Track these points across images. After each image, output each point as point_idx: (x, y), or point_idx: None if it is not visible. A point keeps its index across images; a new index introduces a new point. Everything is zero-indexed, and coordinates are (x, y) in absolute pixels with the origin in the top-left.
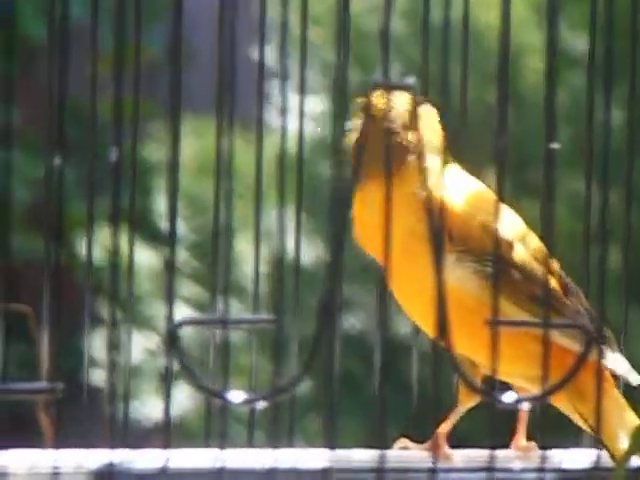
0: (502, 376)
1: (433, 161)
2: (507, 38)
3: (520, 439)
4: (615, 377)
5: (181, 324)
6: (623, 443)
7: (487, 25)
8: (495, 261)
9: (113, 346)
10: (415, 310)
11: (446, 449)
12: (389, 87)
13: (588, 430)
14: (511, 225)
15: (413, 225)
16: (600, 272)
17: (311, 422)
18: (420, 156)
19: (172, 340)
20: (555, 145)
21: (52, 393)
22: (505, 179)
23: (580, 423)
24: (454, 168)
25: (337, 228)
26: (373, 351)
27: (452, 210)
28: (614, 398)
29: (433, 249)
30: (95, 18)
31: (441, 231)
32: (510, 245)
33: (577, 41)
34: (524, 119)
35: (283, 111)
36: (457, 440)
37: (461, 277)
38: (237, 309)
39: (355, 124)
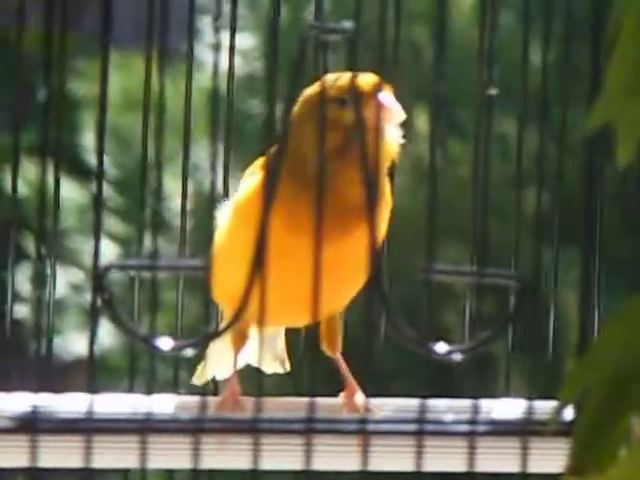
0: None
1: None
2: None
3: None
4: None
5: (109, 268)
6: None
7: None
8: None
9: (38, 282)
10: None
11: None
12: (324, 30)
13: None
14: None
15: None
16: (536, 216)
17: None
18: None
19: (99, 284)
20: (493, 91)
21: None
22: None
23: None
24: None
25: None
26: None
27: None
28: None
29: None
30: None
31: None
32: None
33: None
34: (453, 59)
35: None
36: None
37: None
38: (163, 246)
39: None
